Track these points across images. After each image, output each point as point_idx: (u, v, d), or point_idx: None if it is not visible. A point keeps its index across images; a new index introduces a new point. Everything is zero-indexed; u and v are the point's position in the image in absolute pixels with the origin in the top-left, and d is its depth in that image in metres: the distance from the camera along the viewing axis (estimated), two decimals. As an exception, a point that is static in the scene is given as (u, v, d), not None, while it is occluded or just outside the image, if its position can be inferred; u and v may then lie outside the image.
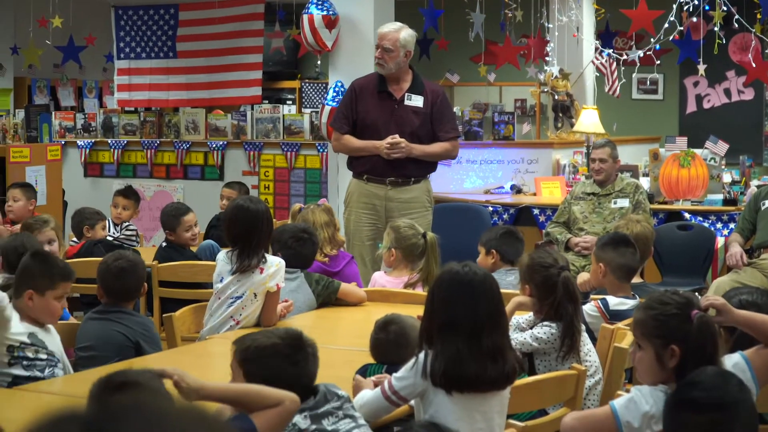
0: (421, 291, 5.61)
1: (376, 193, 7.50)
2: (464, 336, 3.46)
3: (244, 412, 3.11)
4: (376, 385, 3.64)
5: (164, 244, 7.05)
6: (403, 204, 7.46)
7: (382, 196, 7.48)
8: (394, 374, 3.54)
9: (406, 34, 7.46)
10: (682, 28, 10.05)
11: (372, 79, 7.58)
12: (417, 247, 5.85)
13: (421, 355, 3.49)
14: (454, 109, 13.11)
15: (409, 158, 7.39)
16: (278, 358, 3.25)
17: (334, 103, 8.77)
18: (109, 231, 7.91)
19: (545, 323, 4.43)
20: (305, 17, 9.15)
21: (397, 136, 7.34)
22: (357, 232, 7.52)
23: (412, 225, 5.98)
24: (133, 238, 8.21)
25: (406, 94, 7.46)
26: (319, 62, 10.71)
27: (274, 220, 8.52)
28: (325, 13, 9.09)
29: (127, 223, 8.23)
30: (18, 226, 7.15)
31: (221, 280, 5.11)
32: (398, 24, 7.61)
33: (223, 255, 5.20)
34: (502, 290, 3.69)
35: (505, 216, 9.35)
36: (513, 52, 11.75)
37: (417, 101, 7.45)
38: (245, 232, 5.12)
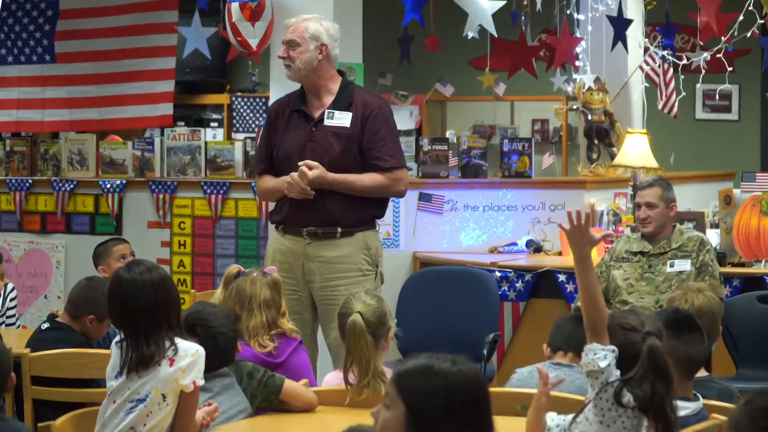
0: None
1: (292, 248, 7.54)
2: None
3: None
4: None
5: (45, 324, 7.00)
6: (325, 265, 7.46)
7: (299, 253, 7.51)
8: None
9: (319, 24, 7.54)
10: (763, 21, 10.15)
11: (291, 98, 7.70)
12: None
13: None
14: (447, 134, 13.25)
15: (330, 196, 7.39)
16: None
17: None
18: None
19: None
20: (227, 7, 9.25)
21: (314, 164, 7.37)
22: None
23: (359, 296, 5.75)
24: (14, 312, 8.22)
25: (327, 111, 7.52)
26: (256, 70, 10.75)
27: (192, 291, 8.59)
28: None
29: (9, 288, 8.20)
30: None
31: (116, 377, 5.13)
32: (313, 15, 7.69)
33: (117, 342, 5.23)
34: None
35: (519, 284, 9.38)
36: (529, 53, 11.85)
37: (341, 119, 7.49)
38: (123, 312, 5.18)
